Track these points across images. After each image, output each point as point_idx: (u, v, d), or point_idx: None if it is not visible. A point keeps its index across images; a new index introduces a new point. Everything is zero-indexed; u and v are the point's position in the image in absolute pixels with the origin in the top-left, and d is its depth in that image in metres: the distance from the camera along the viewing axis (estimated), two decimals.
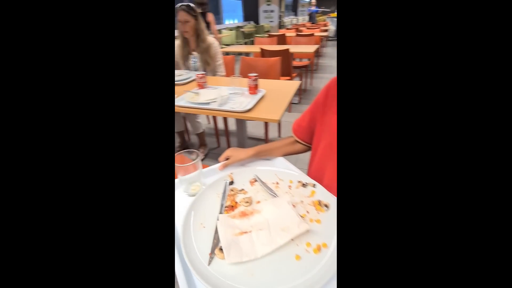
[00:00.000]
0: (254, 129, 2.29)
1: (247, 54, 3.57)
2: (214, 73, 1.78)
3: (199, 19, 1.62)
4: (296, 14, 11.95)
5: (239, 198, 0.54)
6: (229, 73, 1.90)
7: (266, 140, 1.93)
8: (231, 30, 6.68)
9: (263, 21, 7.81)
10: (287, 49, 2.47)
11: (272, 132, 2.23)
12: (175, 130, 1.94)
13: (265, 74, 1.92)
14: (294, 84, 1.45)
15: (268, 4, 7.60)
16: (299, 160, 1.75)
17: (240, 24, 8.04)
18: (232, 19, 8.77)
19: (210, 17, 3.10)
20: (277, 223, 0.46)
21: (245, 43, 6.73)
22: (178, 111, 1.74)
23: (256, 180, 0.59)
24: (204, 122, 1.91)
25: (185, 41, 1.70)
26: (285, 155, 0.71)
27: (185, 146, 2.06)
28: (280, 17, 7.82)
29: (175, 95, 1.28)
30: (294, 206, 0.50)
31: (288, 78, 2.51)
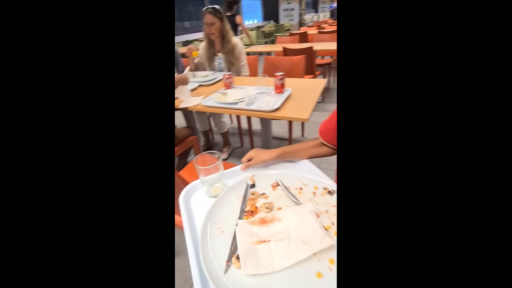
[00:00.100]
0: (276, 129, 2.28)
1: (268, 53, 3.57)
2: (238, 73, 1.80)
3: (224, 20, 1.65)
4: (316, 11, 11.71)
5: (259, 203, 0.52)
6: (253, 73, 1.92)
7: (289, 139, 1.92)
8: (251, 30, 6.71)
9: (283, 20, 7.75)
10: (311, 47, 2.43)
11: (296, 132, 2.21)
12: (201, 130, 1.99)
13: (289, 73, 1.90)
14: (320, 82, 1.43)
15: (289, 3, 7.52)
16: (324, 161, 1.72)
17: (260, 24, 8.06)
18: (252, 20, 8.81)
19: (239, 19, 3.41)
20: (298, 235, 0.43)
21: (265, 43, 6.73)
22: (203, 111, 1.79)
23: (278, 184, 0.56)
24: (227, 122, 1.94)
25: (211, 43, 1.74)
26: (310, 157, 0.69)
27: (210, 145, 2.11)
28: (300, 15, 7.71)
29: (203, 96, 1.32)
30: (318, 216, 0.47)
31: (312, 76, 2.47)
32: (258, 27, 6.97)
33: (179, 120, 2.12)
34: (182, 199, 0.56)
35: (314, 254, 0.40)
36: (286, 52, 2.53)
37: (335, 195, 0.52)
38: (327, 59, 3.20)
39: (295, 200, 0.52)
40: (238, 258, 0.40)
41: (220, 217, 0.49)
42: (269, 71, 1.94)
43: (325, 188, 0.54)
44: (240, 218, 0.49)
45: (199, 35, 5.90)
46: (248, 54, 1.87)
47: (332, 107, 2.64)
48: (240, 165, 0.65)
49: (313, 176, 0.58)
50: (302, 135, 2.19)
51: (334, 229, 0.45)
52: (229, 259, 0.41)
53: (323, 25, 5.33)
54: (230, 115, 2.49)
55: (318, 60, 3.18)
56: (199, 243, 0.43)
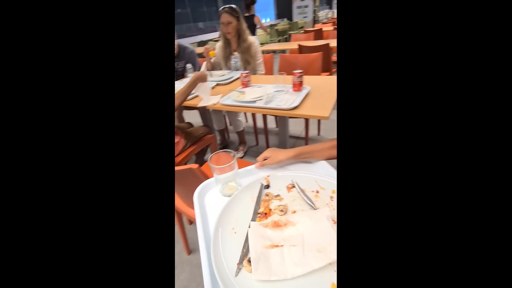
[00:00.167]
0: (292, 127, 2.26)
1: (282, 51, 3.55)
2: (254, 71, 1.80)
3: (241, 19, 1.65)
4: (331, 7, 11.47)
5: (273, 205, 0.51)
6: (268, 71, 1.91)
7: (306, 137, 1.90)
8: None
9: (296, 17, 7.65)
10: (327, 44, 2.38)
11: (312, 130, 2.18)
12: (217, 128, 2.01)
13: (306, 71, 1.86)
14: None
15: (302, 0, 7.43)
16: None
17: (273, 22, 8.01)
18: (265, 18, 8.78)
19: (257, 18, 3.54)
20: (313, 242, 0.41)
21: (279, 41, 6.68)
22: (219, 109, 1.81)
23: (294, 186, 0.54)
24: (242, 121, 1.94)
25: (227, 42, 1.75)
26: (328, 159, 0.65)
27: (225, 143, 2.13)
28: (314, 11, 7.58)
29: (221, 95, 1.33)
30: (334, 222, 0.44)
31: (328, 73, 2.43)
32: (271, 26, 6.93)
33: (196, 119, 2.16)
34: (196, 197, 0.56)
35: (330, 264, 0.38)
36: (302, 49, 2.50)
37: None
38: None
39: (311, 204, 0.49)
40: (249, 261, 0.39)
41: (233, 217, 0.48)
42: (285, 69, 1.92)
43: None
44: (253, 219, 0.48)
45: (214, 35, 5.96)
46: (262, 52, 1.86)
47: None
48: (255, 164, 0.63)
49: (331, 179, 0.54)
50: (318, 134, 2.15)
51: None
52: (240, 262, 0.40)
53: None
54: (245, 114, 2.50)
55: (334, 57, 3.11)
56: (211, 242, 0.42)
